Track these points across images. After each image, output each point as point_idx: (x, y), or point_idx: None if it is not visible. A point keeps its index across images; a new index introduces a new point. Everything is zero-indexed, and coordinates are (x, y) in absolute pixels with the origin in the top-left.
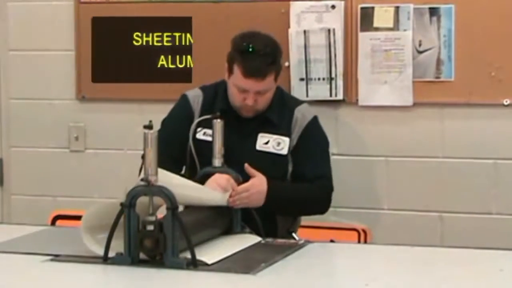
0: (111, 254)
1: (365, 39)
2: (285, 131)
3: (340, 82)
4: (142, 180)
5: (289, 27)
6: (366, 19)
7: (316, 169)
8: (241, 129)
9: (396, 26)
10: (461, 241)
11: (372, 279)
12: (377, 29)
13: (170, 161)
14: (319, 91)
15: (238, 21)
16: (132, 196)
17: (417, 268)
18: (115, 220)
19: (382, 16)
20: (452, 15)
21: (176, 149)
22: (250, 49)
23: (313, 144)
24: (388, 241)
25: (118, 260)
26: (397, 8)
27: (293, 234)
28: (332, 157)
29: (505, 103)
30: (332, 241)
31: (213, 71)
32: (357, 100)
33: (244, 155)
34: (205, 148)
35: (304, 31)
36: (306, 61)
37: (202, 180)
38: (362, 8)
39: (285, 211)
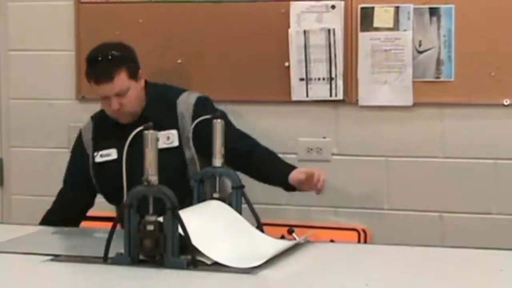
0: (111, 254)
1: (365, 39)
2: (171, 125)
3: (340, 82)
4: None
5: (289, 27)
6: (366, 19)
7: (240, 141)
8: (125, 139)
9: (396, 26)
10: (461, 241)
11: (372, 279)
12: (377, 29)
13: (70, 187)
14: (319, 91)
15: (238, 21)
16: (132, 196)
17: (417, 268)
18: (115, 220)
19: (382, 16)
20: (452, 15)
21: (79, 178)
22: (95, 57)
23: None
24: (388, 241)
25: (118, 260)
26: (397, 8)
27: (293, 234)
28: (332, 157)
29: (505, 103)
30: (332, 241)
31: (213, 71)
32: (357, 100)
33: (140, 161)
34: (106, 167)
35: (304, 31)
36: (306, 61)
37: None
38: (362, 8)
39: None
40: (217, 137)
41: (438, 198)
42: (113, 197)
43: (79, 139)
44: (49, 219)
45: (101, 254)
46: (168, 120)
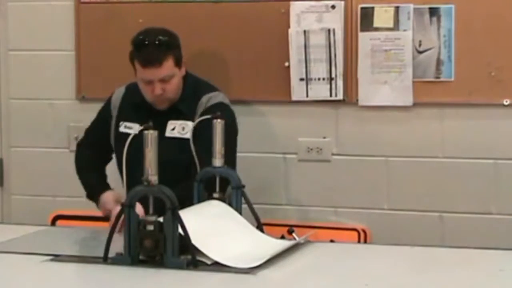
0: (111, 254)
1: (365, 39)
2: (190, 116)
3: (340, 82)
4: (142, 180)
5: (289, 27)
6: (366, 19)
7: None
8: (154, 121)
9: (396, 26)
10: (461, 241)
11: (372, 279)
12: (377, 29)
13: (88, 145)
14: (319, 91)
15: (238, 21)
16: (132, 196)
17: (417, 268)
18: (115, 220)
19: (382, 16)
20: (452, 15)
21: (96, 138)
22: (142, 41)
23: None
24: (388, 241)
25: (118, 260)
26: (397, 8)
27: (293, 234)
28: (332, 157)
29: (505, 103)
30: (332, 241)
31: (213, 71)
32: (357, 100)
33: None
34: (124, 140)
35: (304, 31)
36: (306, 61)
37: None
38: (362, 8)
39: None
40: (217, 137)
41: (438, 198)
42: (121, 171)
43: (109, 101)
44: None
45: (101, 254)
46: (190, 112)
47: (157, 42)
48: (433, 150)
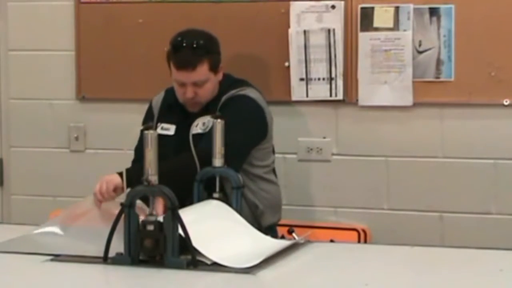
0: (111, 254)
1: (365, 39)
2: (214, 112)
3: (340, 82)
4: (142, 180)
5: (289, 27)
6: (366, 19)
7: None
8: (186, 121)
9: (396, 26)
10: (461, 241)
11: (372, 279)
12: (377, 29)
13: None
14: (319, 91)
15: (238, 21)
16: (132, 196)
17: (417, 268)
18: (115, 220)
19: (382, 16)
20: (452, 15)
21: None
22: (180, 43)
23: (228, 114)
24: (388, 241)
25: (118, 260)
26: (397, 8)
27: (293, 234)
28: (332, 157)
29: (505, 103)
30: (332, 241)
31: None
32: (357, 100)
33: (182, 141)
34: (162, 140)
35: (304, 31)
36: (306, 61)
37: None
38: (362, 8)
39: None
40: (217, 137)
41: (438, 198)
42: None
43: (150, 107)
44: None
45: (101, 254)
46: (216, 108)
47: (194, 45)
48: (433, 150)
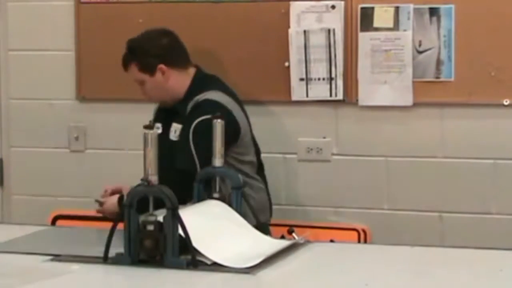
0: (111, 254)
1: (365, 39)
2: (182, 120)
3: (340, 82)
4: (142, 180)
5: (289, 27)
6: (366, 19)
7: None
8: (165, 120)
9: (396, 26)
10: (461, 241)
11: (372, 279)
12: (377, 29)
13: None
14: (319, 91)
15: (238, 21)
16: (132, 196)
17: (417, 268)
18: (115, 220)
19: (382, 16)
20: (452, 15)
21: None
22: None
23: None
24: (388, 241)
25: (118, 260)
26: (397, 8)
27: (293, 234)
28: (332, 157)
29: (505, 103)
30: (332, 241)
31: (213, 71)
32: (357, 100)
33: (163, 145)
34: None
35: (304, 31)
36: (306, 61)
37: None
38: (362, 8)
39: None
40: (217, 137)
41: (438, 198)
42: None
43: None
44: None
45: (101, 254)
46: (185, 113)
47: (127, 48)
48: (433, 150)
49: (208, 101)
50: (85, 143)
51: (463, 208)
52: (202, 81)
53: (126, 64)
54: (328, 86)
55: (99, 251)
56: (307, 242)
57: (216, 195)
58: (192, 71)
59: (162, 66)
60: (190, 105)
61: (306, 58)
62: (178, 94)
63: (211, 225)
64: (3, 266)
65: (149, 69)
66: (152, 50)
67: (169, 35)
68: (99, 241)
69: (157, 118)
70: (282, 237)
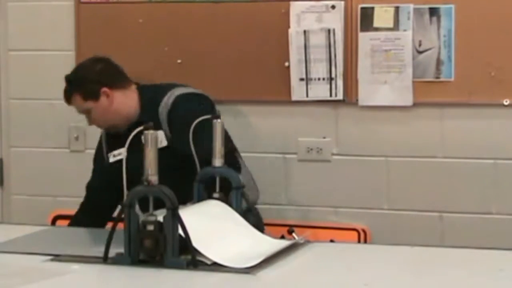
0: (111, 254)
1: (365, 39)
2: (157, 126)
3: (340, 82)
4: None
5: (289, 27)
6: (366, 19)
7: (197, 148)
8: (129, 144)
9: (396, 26)
10: (461, 241)
11: (372, 279)
12: (377, 29)
13: (95, 189)
14: (319, 91)
15: (238, 21)
16: (132, 196)
17: (417, 268)
18: (115, 219)
19: (382, 16)
20: (452, 15)
21: (102, 179)
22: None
23: (180, 125)
24: (388, 241)
25: (118, 260)
26: (397, 8)
27: (293, 234)
28: (332, 157)
29: (505, 103)
30: (332, 241)
31: (213, 71)
32: (357, 100)
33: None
34: (117, 167)
35: (304, 31)
36: (306, 61)
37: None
38: (362, 8)
39: None
40: (217, 137)
41: (438, 198)
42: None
43: (99, 142)
44: (78, 220)
45: (101, 254)
46: (154, 121)
47: (66, 81)
48: (433, 150)
49: (185, 94)
50: (85, 143)
51: (463, 208)
52: (156, 87)
53: (69, 97)
54: (328, 86)
55: (99, 251)
56: (307, 242)
57: (216, 195)
58: (134, 87)
59: (105, 89)
60: (162, 109)
61: (306, 58)
62: (130, 112)
63: (211, 225)
64: (3, 266)
65: (93, 95)
66: (90, 77)
67: (102, 61)
68: (99, 241)
69: (111, 146)
70: (282, 237)
